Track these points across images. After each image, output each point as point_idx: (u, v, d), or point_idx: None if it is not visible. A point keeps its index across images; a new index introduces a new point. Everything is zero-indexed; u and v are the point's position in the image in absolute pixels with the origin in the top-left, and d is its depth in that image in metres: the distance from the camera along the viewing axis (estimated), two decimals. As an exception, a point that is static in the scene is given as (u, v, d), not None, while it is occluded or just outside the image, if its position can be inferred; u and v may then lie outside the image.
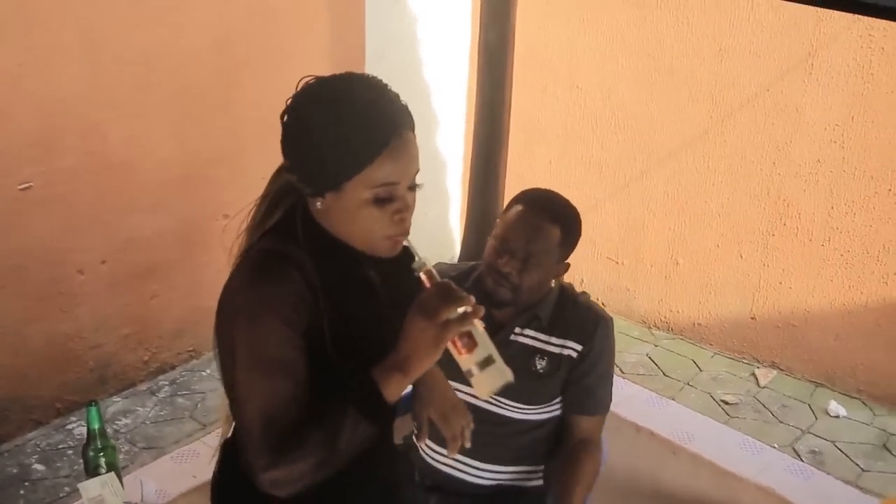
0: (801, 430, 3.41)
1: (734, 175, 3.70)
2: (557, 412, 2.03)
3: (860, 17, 3.03)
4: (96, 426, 1.94)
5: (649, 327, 4.10)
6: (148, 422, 3.28)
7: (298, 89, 1.31)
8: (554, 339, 1.99)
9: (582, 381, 1.99)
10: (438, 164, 4.39)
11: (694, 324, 3.99)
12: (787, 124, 3.52)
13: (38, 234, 2.98)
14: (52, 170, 2.93)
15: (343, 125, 1.26)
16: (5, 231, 2.88)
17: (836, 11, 2.99)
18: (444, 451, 1.91)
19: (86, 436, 1.98)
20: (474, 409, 1.88)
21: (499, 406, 1.98)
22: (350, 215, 1.30)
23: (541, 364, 1.98)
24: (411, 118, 1.30)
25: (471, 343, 1.24)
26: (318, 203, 1.31)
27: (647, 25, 3.78)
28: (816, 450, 3.28)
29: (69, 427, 3.20)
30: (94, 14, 2.92)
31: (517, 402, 1.97)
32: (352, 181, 1.26)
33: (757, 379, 3.74)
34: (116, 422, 3.27)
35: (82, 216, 3.06)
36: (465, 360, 1.25)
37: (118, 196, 3.14)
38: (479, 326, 1.25)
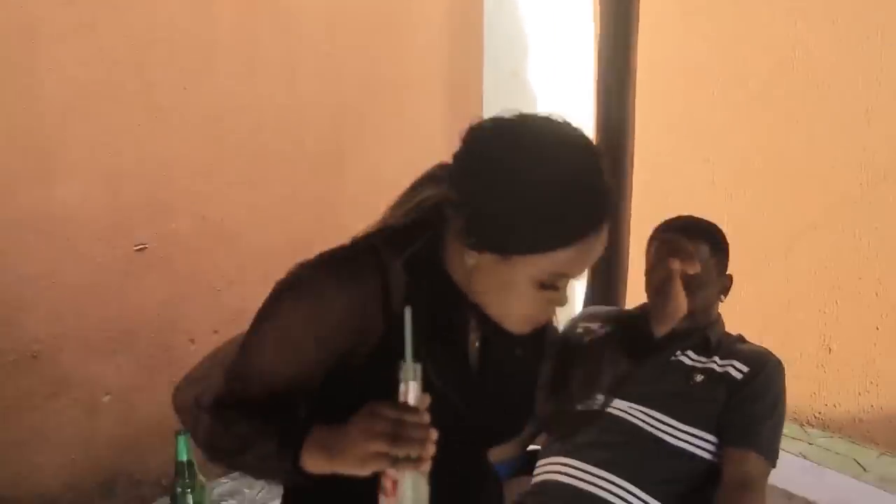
0: None
1: (891, 248, 3.34)
2: (709, 453, 1.87)
3: None
4: (185, 458, 1.82)
5: (801, 424, 3.66)
6: None
7: (492, 123, 1.15)
8: (717, 359, 1.94)
9: (743, 408, 1.86)
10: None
11: (854, 419, 3.53)
12: (951, 187, 3.18)
13: (150, 298, 2.96)
14: (167, 232, 2.94)
15: (547, 196, 1.08)
16: (120, 292, 2.87)
17: None
18: (590, 468, 1.85)
19: (174, 469, 1.87)
20: (623, 423, 1.89)
21: (648, 421, 1.89)
22: (501, 287, 1.14)
23: (699, 378, 1.91)
24: (616, 200, 1.14)
25: (393, 489, 1.03)
26: (471, 258, 1.13)
27: (784, 89, 3.56)
28: None
29: (174, 506, 3.08)
30: (213, 84, 2.99)
31: (668, 415, 1.88)
32: (526, 257, 1.09)
33: (934, 481, 3.24)
34: (222, 503, 3.13)
35: (194, 282, 3.04)
36: (381, 501, 1.04)
37: (229, 264, 3.11)
38: (410, 480, 1.02)
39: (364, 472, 1.02)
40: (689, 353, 1.99)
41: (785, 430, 3.65)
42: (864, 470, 3.34)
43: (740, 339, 2.09)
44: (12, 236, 2.65)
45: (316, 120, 3.27)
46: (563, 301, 1.16)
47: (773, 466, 1.89)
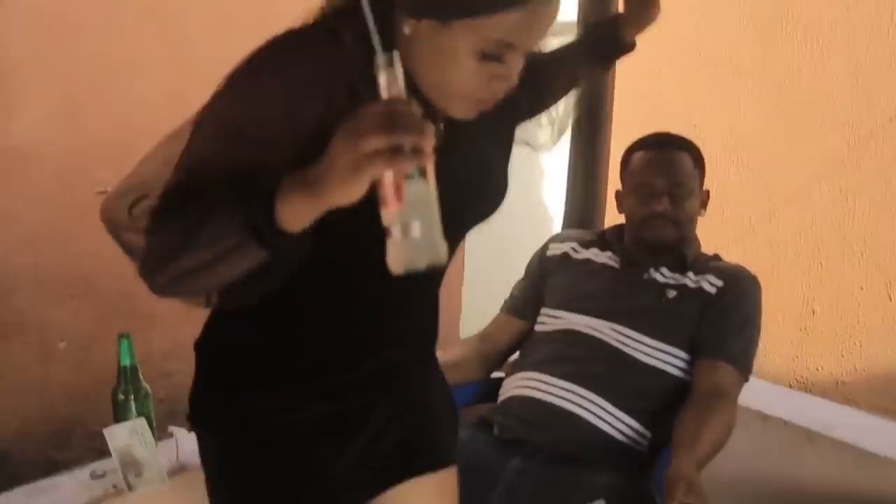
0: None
1: (877, 207, 3.26)
2: (679, 370, 1.85)
3: None
4: (128, 363, 1.71)
5: (785, 388, 3.59)
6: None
7: None
8: (691, 275, 1.92)
9: (715, 322, 1.84)
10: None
11: (837, 382, 3.46)
12: (939, 143, 3.11)
13: (111, 244, 2.83)
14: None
15: None
16: (77, 234, 2.74)
17: None
18: (557, 381, 1.81)
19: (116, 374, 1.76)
20: (591, 340, 1.85)
21: (617, 338, 1.85)
22: (440, 58, 1.05)
23: (671, 294, 1.88)
24: None
25: (397, 196, 0.90)
26: (407, 27, 1.05)
27: (772, 49, 3.48)
28: None
29: (131, 459, 2.95)
30: (178, 20, 2.86)
31: (637, 331, 1.85)
32: (464, 22, 1.00)
33: (917, 443, 3.16)
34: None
35: (158, 228, 2.92)
36: (385, 215, 0.92)
37: (197, 209, 3.00)
38: (414, 178, 0.90)
39: (358, 185, 0.90)
40: (664, 269, 1.97)
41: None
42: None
43: (716, 257, 2.07)
44: (-38, 169, 2.53)
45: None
46: (509, 76, 1.07)
47: (746, 380, 1.86)
